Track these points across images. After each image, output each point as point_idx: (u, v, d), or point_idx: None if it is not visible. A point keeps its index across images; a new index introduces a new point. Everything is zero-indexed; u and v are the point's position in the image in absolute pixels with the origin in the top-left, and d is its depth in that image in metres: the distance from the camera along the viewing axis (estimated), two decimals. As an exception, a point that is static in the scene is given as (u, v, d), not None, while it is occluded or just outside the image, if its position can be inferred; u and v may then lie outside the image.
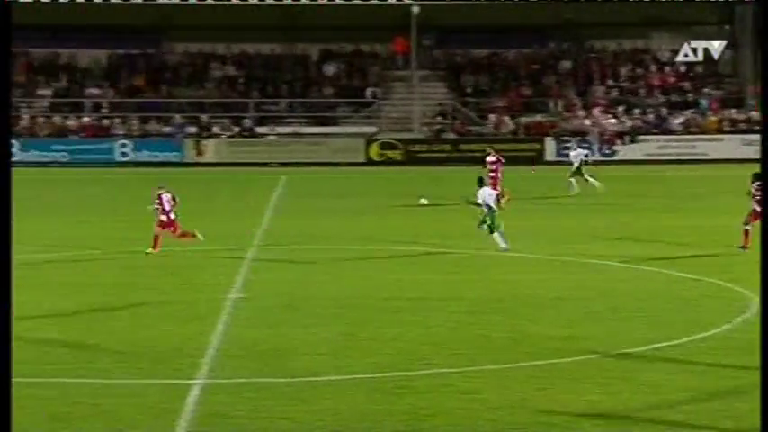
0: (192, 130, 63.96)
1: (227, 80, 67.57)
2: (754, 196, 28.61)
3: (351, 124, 64.94)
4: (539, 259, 28.26)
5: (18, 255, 29.06)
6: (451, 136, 64.06)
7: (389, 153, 62.28)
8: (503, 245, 28.45)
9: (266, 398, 15.85)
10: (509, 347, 18.89)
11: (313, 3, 63.93)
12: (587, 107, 65.28)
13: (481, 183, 29.29)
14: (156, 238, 28.77)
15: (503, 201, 35.40)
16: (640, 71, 68.06)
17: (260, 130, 64.36)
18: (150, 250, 28.58)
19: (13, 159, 60.55)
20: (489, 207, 28.61)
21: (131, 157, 61.45)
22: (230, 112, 65.28)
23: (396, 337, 19.69)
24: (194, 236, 29.29)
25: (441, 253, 29.65)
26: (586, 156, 44.93)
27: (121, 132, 63.27)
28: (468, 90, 67.21)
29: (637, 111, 64.98)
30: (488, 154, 40.30)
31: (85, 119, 64.36)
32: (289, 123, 64.95)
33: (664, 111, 64.91)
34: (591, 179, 43.71)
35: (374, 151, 61.92)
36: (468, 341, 19.36)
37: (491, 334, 19.89)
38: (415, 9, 62.75)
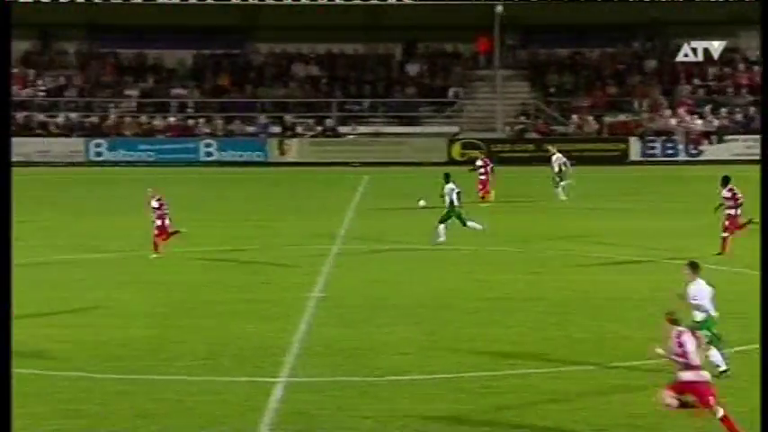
0: (276, 129, 64.36)
1: (310, 80, 67.90)
2: (726, 200, 28.32)
3: (433, 124, 64.86)
4: (623, 259, 27.99)
5: (104, 253, 29.59)
6: (534, 136, 63.69)
7: (472, 153, 62.09)
8: (441, 238, 30.11)
9: (349, 397, 15.90)
10: (592, 348, 18.73)
11: (398, 2, 63.99)
12: (673, 107, 64.51)
13: (447, 179, 31.15)
14: (173, 232, 29.15)
15: (484, 203, 38.67)
16: (728, 70, 67.07)
17: (342, 129, 64.57)
18: (155, 255, 28.64)
19: (101, 159, 61.87)
20: (452, 202, 30.47)
21: (216, 156, 62.00)
22: (313, 111, 65.57)
23: (477, 337, 19.63)
24: (177, 232, 29.41)
25: (520, 252, 29.51)
26: (566, 163, 43.07)
27: (206, 132, 63.89)
28: (552, 89, 66.75)
29: (724, 110, 64.05)
30: (477, 158, 42.25)
31: (171, 119, 65.10)
32: (371, 123, 65.07)
33: (752, 110, 63.91)
34: (561, 187, 42.08)
35: (456, 151, 61.75)
36: (550, 341, 19.24)
37: (573, 334, 19.76)
38: (499, 8, 62.48)
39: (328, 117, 65.27)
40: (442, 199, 31.21)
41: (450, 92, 66.64)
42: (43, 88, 66.55)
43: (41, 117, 64.38)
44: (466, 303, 22.71)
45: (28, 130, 63.27)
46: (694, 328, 16.04)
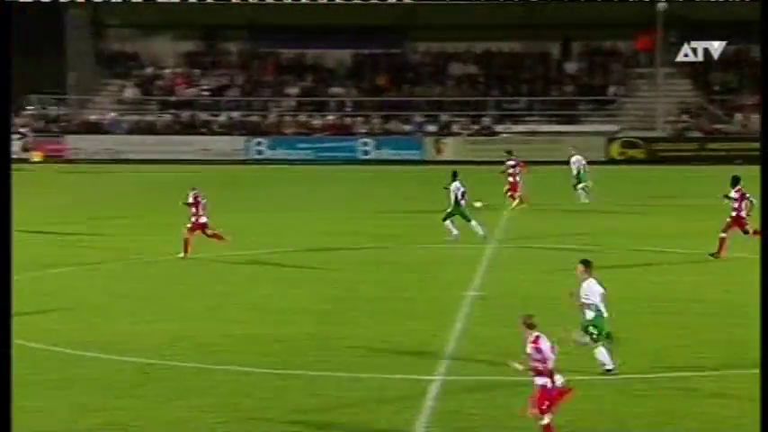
0: (432, 128, 64.52)
1: (467, 78, 67.85)
2: (734, 202, 27.03)
3: (591, 122, 64.12)
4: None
5: (266, 250, 30.09)
6: (697, 134, 62.38)
7: (631, 152, 61.20)
8: (454, 232, 30.79)
9: (504, 396, 15.82)
10: (754, 352, 18.24)
11: (556, 0, 63.44)
12: (843, 105, 62.36)
13: (455, 177, 31.53)
14: (216, 236, 28.68)
15: (513, 204, 38.04)
16: None
17: (498, 128, 64.33)
18: (180, 255, 28.23)
19: (261, 157, 62.98)
20: (456, 200, 30.94)
21: (372, 155, 62.49)
22: (469, 110, 65.52)
23: (637, 338, 19.31)
24: (187, 246, 28.50)
25: (677, 253, 28.93)
26: (584, 166, 41.98)
27: (364, 131, 64.46)
28: (716, 87, 65.29)
29: None
30: (508, 159, 40.77)
31: (329, 117, 65.88)
32: (527, 121, 64.67)
33: None
34: (581, 189, 41.24)
35: (615, 150, 60.93)
36: (710, 344, 18.83)
37: (734, 338, 19.28)
38: (662, 5, 61.38)
39: (484, 115, 65.11)
40: (446, 191, 31.68)
41: (610, 90, 65.77)
42: (206, 88, 68.11)
43: (204, 116, 65.89)
44: (626, 305, 22.36)
45: (192, 128, 64.88)
46: (586, 325, 16.58)
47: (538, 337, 13.43)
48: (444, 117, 65.10)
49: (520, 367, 13.58)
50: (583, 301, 16.76)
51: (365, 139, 63.25)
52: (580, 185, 41.38)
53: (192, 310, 22.28)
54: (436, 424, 14.73)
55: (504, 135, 63.52)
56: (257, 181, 52.99)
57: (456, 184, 31.53)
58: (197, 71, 69.26)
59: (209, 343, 19.28)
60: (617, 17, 64.05)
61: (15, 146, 62.62)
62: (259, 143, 63.34)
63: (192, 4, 63.55)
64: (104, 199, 44.69)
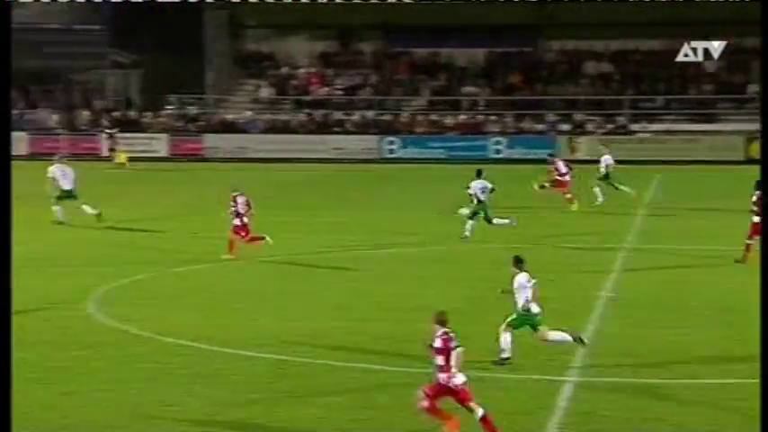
0: (565, 127, 64.01)
1: (601, 77, 67.14)
2: (754, 207, 25.78)
3: (730, 121, 62.84)
4: None
5: (395, 249, 30.23)
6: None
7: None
8: (468, 233, 30.58)
9: (638, 398, 15.66)
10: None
11: (692, -3, 62.34)
12: None
13: (479, 174, 31.30)
14: (231, 243, 28.08)
15: (573, 206, 37.75)
16: None
17: (634, 127, 63.50)
18: (227, 256, 27.86)
19: (394, 156, 63.31)
20: (479, 199, 30.84)
21: (504, 154, 62.25)
22: (603, 109, 64.81)
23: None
24: (263, 239, 28.17)
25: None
26: (611, 166, 41.11)
27: (496, 130, 64.28)
28: None
29: None
30: (551, 161, 40.53)
31: (461, 116, 65.87)
32: (664, 120, 63.70)
33: None
34: (621, 186, 40.46)
35: (755, 149, 59.57)
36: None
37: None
38: (803, 1, 59.86)
39: (619, 114, 64.34)
40: (466, 192, 31.32)
41: (750, 88, 64.38)
42: (340, 87, 68.73)
43: (338, 115, 66.49)
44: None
45: (325, 127, 65.54)
46: (520, 318, 17.65)
47: (444, 334, 13.89)
48: (578, 116, 64.52)
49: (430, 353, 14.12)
50: (515, 295, 17.87)
51: (497, 138, 63.07)
52: (613, 185, 40.64)
53: (324, 307, 22.52)
54: (569, 425, 14.65)
55: (640, 134, 62.68)
56: (389, 179, 53.26)
57: (480, 181, 31.31)
58: (331, 71, 69.92)
59: (340, 341, 19.47)
60: (757, 13, 62.64)
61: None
62: (391, 142, 63.64)
63: (327, 4, 64.19)
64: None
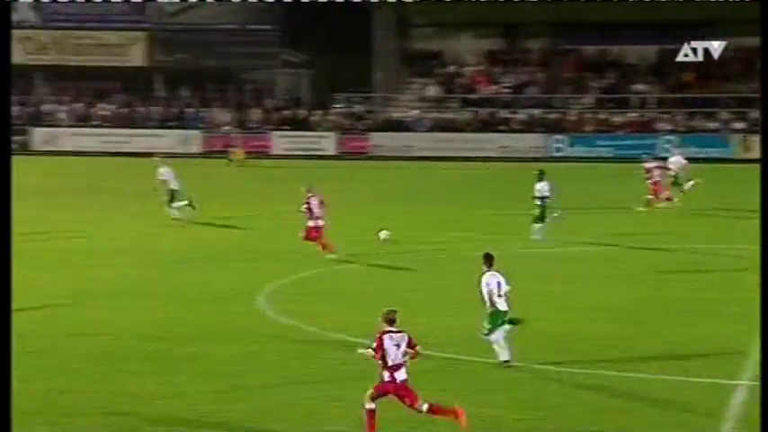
0: (740, 125, 62.40)
1: (777, 74, 65.24)
2: None
3: None
4: None
5: (562, 248, 29.91)
6: None
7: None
8: (537, 236, 30.49)
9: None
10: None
11: None
12: None
13: (541, 177, 31.24)
14: (323, 245, 27.55)
15: (661, 205, 36.87)
16: None
17: (812, 125, 61.52)
18: (330, 256, 27.31)
19: (561, 154, 62.68)
20: (544, 198, 30.81)
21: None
22: (780, 106, 62.96)
23: None
24: (333, 248, 27.37)
25: None
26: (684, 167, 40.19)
27: (667, 128, 63.08)
28: None
29: None
30: (646, 161, 39.73)
31: (630, 114, 64.86)
32: None
33: None
34: (688, 184, 39.49)
35: None
36: None
37: None
38: None
39: (796, 112, 62.38)
40: (534, 200, 31.05)
41: None
42: (507, 85, 68.45)
43: (504, 113, 66.22)
44: None
45: (491, 125, 65.36)
46: (491, 319, 17.25)
47: (385, 333, 13.78)
48: (753, 114, 62.80)
49: (367, 353, 14.00)
50: (484, 293, 17.31)
51: (668, 137, 61.86)
52: (686, 186, 39.61)
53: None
54: (743, 430, 14.26)
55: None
56: (557, 178, 52.72)
57: (543, 183, 31.19)
58: (498, 69, 69.71)
59: (516, 341, 19.33)
60: None
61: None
62: (558, 140, 63.08)
63: (495, 2, 64.00)
64: (412, 195, 45.57)
